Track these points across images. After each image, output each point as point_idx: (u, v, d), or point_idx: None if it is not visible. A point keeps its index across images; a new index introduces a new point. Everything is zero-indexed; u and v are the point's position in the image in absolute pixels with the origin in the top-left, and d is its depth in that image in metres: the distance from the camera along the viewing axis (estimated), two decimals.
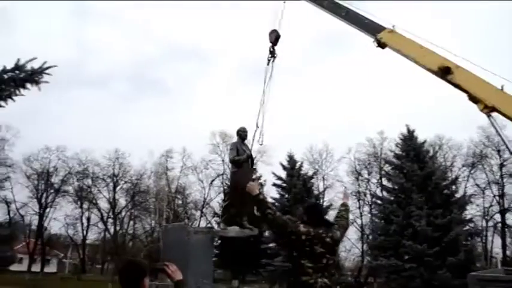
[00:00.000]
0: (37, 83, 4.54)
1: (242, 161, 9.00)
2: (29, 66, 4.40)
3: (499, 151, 39.68)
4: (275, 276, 31.04)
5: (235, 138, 9.79)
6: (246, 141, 9.51)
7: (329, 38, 74.54)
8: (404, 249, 26.16)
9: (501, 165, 40.10)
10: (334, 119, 65.41)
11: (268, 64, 10.16)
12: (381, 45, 10.89)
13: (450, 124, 56.86)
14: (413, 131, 29.78)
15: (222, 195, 45.21)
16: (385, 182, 34.45)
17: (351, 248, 41.24)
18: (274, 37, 10.44)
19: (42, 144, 45.17)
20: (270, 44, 10.47)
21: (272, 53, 10.27)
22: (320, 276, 3.75)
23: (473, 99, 10.03)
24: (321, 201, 37.45)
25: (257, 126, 9.35)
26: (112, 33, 74.13)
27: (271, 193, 37.56)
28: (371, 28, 11.05)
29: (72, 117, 67.76)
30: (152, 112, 70.62)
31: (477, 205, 39.28)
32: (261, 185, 37.30)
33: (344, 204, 4.62)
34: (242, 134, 9.25)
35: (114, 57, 72.99)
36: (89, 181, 46.66)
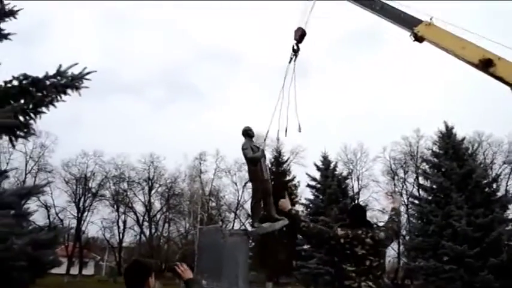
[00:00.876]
0: (77, 88, 4.56)
1: (260, 158, 9.06)
2: (69, 73, 4.44)
3: None
4: (309, 279, 30.76)
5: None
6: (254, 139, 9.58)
7: (360, 35, 73.48)
8: (443, 250, 25.42)
9: None
10: (369, 117, 64.39)
11: (290, 62, 10.08)
12: (418, 39, 10.60)
13: (490, 120, 55.06)
14: (451, 128, 28.95)
15: None
16: (422, 181, 33.59)
17: (386, 249, 40.38)
18: (300, 34, 10.34)
19: (79, 149, 46.38)
20: (294, 42, 10.38)
21: (295, 51, 10.19)
22: (364, 280, 3.62)
23: None
24: (356, 201, 36.92)
25: (300, 130, 9.53)
26: (145, 39, 75.30)
27: (305, 194, 37.35)
28: (407, 22, 10.78)
29: (109, 123, 69.23)
30: (186, 116, 71.57)
31: None
32: (290, 196, 37.28)
33: (394, 209, 4.46)
34: (250, 132, 9.26)
35: (148, 64, 74.26)
36: (125, 185, 47.58)
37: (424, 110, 58.75)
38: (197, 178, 47.26)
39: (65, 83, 4.43)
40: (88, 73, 4.59)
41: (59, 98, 4.44)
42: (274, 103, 9.57)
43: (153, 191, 47.68)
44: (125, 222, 47.56)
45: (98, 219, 46.43)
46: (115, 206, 46.78)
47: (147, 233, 47.17)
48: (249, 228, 9.50)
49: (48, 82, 4.29)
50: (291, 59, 10.13)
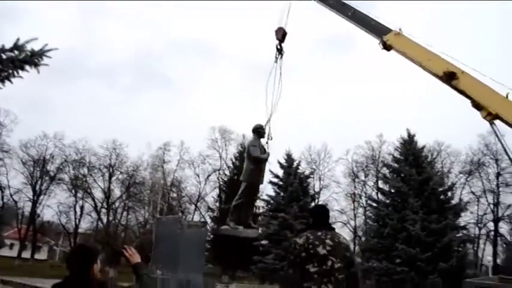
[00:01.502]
0: (36, 65, 4.35)
1: (265, 160, 8.77)
2: (29, 48, 4.24)
3: (496, 160, 39.82)
4: (266, 274, 30.97)
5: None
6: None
7: (332, 39, 74.21)
8: (397, 252, 26.14)
9: (498, 174, 40.24)
10: (334, 120, 65.24)
11: (276, 62, 10.00)
12: (387, 47, 10.79)
13: (450, 130, 56.77)
14: (413, 136, 29.72)
15: (217, 191, 45.22)
16: (381, 185, 34.39)
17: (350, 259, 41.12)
18: (281, 34, 10.30)
19: (40, 131, 44.98)
20: (277, 42, 10.33)
21: (279, 51, 10.12)
22: (326, 282, 3.48)
23: (477, 106, 9.95)
24: (317, 201, 37.43)
25: (269, 139, 9.10)
26: (117, 24, 73.66)
27: (267, 190, 37.54)
28: (377, 30, 10.96)
29: (73, 106, 67.40)
30: (153, 105, 70.38)
31: (471, 212, 39.46)
32: None
33: None
34: (261, 131, 8.85)
35: (119, 49, 72.52)
36: (84, 170, 46.50)
37: (388, 116, 59.96)
38: (159, 168, 46.80)
39: (23, 58, 4.22)
40: (49, 50, 4.37)
41: (15, 73, 4.21)
42: (263, 103, 9.28)
43: (113, 178, 46.83)
44: (82, 207, 46.53)
45: (55, 204, 45.24)
46: (73, 191, 45.69)
47: (105, 220, 46.33)
48: (225, 226, 9.08)
49: (4, 56, 4.08)
50: (276, 58, 10.05)
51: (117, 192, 47.47)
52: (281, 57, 10.05)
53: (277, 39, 10.29)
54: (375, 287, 30.39)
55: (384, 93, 67.18)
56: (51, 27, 61.23)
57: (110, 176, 46.46)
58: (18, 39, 4.12)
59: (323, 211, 4.09)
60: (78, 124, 61.39)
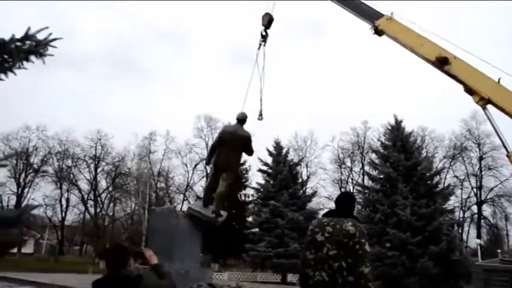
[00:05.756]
0: (42, 55, 4.19)
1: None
2: (38, 37, 4.08)
3: (479, 144, 40.68)
4: (258, 262, 31.14)
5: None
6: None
7: (315, 24, 74.13)
8: (388, 237, 26.42)
9: (480, 158, 41.10)
10: (320, 106, 65.46)
11: (259, 48, 9.96)
12: (378, 32, 10.82)
13: (433, 116, 57.43)
14: (400, 121, 29.92)
15: (205, 180, 45.15)
16: (369, 170, 34.73)
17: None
18: (268, 20, 10.23)
19: (21, 123, 44.28)
20: (263, 28, 10.26)
21: (264, 37, 10.07)
22: (319, 269, 3.39)
23: (469, 90, 10.07)
24: (305, 188, 37.67)
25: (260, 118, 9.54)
26: (93, 13, 72.23)
27: (256, 178, 37.63)
28: (369, 15, 10.97)
29: (52, 97, 66.34)
30: (135, 95, 69.67)
31: (456, 196, 40.27)
32: (240, 180, 37.08)
33: None
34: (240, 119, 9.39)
35: (96, 38, 71.33)
36: (69, 162, 46.04)
37: (371, 103, 60.37)
38: (146, 158, 46.58)
39: (28, 48, 4.05)
40: (54, 39, 4.19)
41: (21, 65, 4.05)
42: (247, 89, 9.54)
43: (99, 169, 46.51)
44: (68, 200, 46.20)
45: (40, 196, 44.75)
46: (58, 183, 45.23)
47: (92, 211, 46.02)
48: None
49: (13, 46, 3.91)
50: (260, 45, 10.00)
51: (103, 183, 47.21)
52: (264, 43, 10.01)
53: (263, 25, 10.21)
54: None
55: (366, 79, 67.66)
56: (21, 14, 59.84)
57: (96, 167, 46.14)
58: (29, 28, 3.96)
59: (340, 198, 3.99)
60: (59, 115, 60.37)
